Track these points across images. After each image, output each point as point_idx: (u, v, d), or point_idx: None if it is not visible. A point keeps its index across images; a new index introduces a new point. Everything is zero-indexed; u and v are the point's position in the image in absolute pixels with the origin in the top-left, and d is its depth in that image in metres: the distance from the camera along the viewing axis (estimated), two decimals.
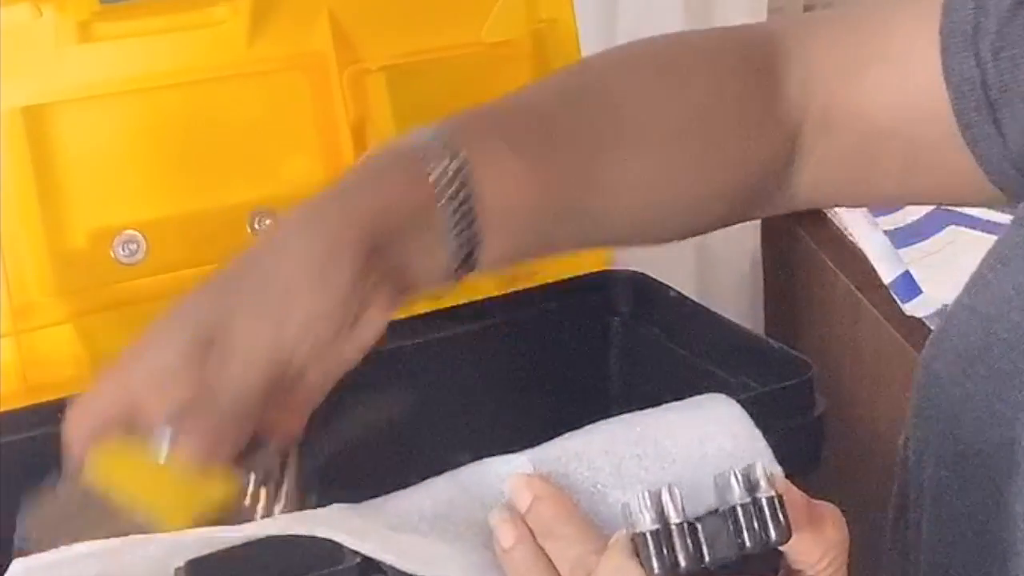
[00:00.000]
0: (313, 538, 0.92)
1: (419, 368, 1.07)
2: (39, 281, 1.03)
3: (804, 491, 0.66)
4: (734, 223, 0.88)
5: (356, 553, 0.94)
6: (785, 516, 0.60)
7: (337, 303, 0.69)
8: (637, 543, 0.58)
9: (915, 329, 1.46)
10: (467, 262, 0.74)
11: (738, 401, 0.78)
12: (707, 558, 0.58)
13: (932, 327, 1.43)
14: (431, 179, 0.73)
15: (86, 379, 1.03)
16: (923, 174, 0.82)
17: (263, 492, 0.69)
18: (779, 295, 1.71)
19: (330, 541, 0.91)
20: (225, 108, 1.08)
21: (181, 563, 0.89)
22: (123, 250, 1.06)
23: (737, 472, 0.60)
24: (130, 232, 1.06)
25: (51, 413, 0.97)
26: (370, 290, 0.71)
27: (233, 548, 0.91)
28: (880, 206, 0.89)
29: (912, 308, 1.46)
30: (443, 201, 0.73)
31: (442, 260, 0.73)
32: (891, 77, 0.80)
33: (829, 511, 0.64)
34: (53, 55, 1.03)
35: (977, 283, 0.77)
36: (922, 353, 0.81)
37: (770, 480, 0.61)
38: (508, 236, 0.75)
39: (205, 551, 0.68)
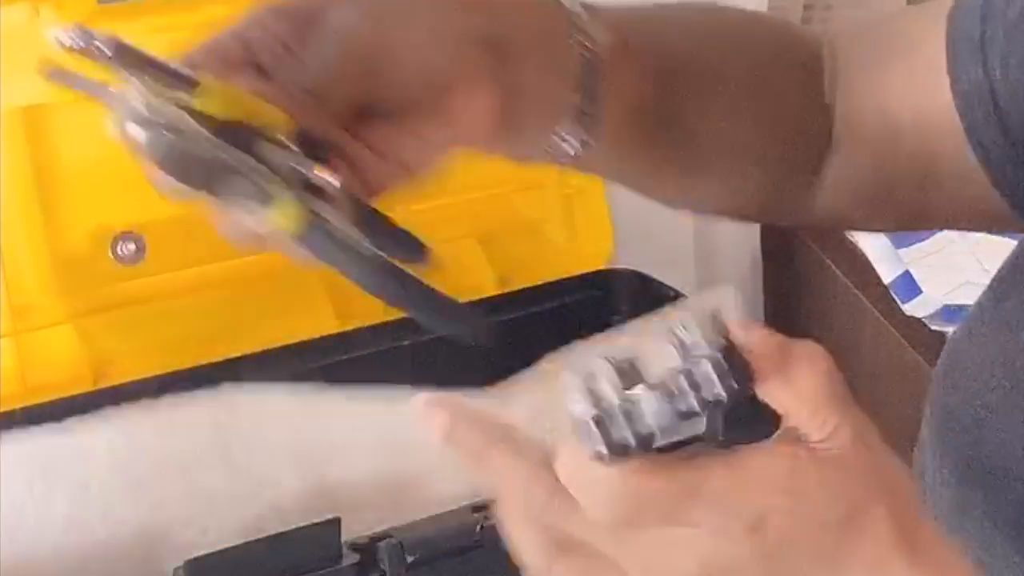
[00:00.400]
0: (313, 538, 0.92)
1: (418, 368, 1.07)
2: (39, 281, 1.03)
3: None
4: (760, 217, 0.87)
5: (356, 552, 0.94)
6: (740, 368, 0.55)
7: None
8: (579, 432, 0.54)
9: (915, 329, 1.45)
10: (586, 117, 0.70)
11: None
12: (655, 432, 0.54)
13: (932, 327, 1.43)
14: (569, 14, 0.69)
15: (86, 379, 1.03)
16: (939, 187, 0.81)
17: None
18: (779, 295, 1.71)
19: (330, 541, 0.92)
20: None
21: (180, 563, 0.90)
22: (123, 250, 1.06)
23: (679, 330, 0.55)
24: (129, 232, 1.06)
25: (51, 412, 0.98)
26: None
27: (233, 548, 0.91)
28: (900, 227, 0.86)
29: (912, 308, 1.45)
30: (575, 40, 0.68)
31: (563, 99, 0.69)
32: (908, 77, 0.80)
33: (804, 351, 0.55)
34: (51, 55, 1.02)
35: (991, 299, 0.76)
36: (935, 379, 0.79)
37: (723, 329, 0.55)
38: (625, 115, 0.72)
39: None
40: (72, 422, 0.96)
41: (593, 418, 0.52)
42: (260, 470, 0.99)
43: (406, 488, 1.02)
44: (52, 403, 0.99)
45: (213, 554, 0.90)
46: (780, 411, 0.56)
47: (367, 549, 0.94)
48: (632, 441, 0.52)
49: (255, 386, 1.00)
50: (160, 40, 1.07)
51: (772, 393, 0.56)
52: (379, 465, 1.01)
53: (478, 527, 0.97)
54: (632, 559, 0.54)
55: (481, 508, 0.99)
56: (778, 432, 0.57)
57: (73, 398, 1.00)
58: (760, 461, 0.55)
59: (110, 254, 1.05)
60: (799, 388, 0.56)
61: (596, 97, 0.70)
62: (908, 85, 0.79)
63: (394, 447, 1.02)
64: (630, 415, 0.52)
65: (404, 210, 1.20)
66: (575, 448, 0.52)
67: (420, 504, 1.00)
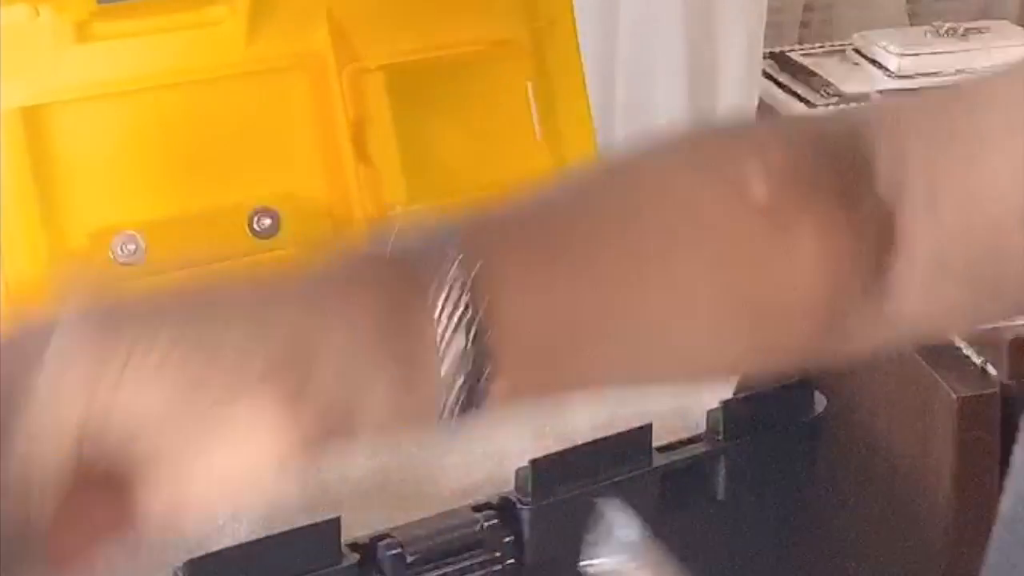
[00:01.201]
0: (313, 538, 0.92)
1: None
2: (39, 281, 1.03)
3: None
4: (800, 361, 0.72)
5: (356, 552, 0.94)
6: None
7: None
8: None
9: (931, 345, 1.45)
10: (470, 398, 0.57)
11: (738, 400, 0.78)
12: None
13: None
14: (431, 289, 0.56)
15: None
16: None
17: None
18: None
19: (330, 541, 0.92)
20: (224, 108, 1.08)
21: (180, 563, 0.89)
22: (122, 250, 1.06)
23: None
24: (129, 232, 1.06)
25: None
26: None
27: (233, 548, 0.91)
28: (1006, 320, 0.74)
29: None
30: (444, 317, 0.56)
31: (423, 397, 0.56)
32: (1002, 159, 0.66)
33: None
34: (51, 55, 1.02)
35: None
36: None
37: None
38: (529, 364, 0.59)
39: None
40: None
41: None
42: None
43: (407, 486, 1.02)
44: None
45: (213, 554, 0.90)
46: None
47: (367, 549, 0.94)
48: None
49: None
50: (158, 40, 1.07)
51: None
52: (380, 464, 1.01)
53: (478, 527, 0.97)
54: None
55: (481, 508, 0.99)
56: None
57: None
58: None
59: (110, 254, 1.05)
60: None
61: (484, 365, 0.57)
62: (1002, 166, 0.66)
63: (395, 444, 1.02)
64: None
65: (404, 210, 1.21)
66: None
67: (421, 503, 1.00)
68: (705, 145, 0.67)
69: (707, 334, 0.64)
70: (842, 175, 0.66)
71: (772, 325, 0.65)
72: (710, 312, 0.64)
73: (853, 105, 0.73)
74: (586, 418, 1.04)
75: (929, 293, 0.67)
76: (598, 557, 0.59)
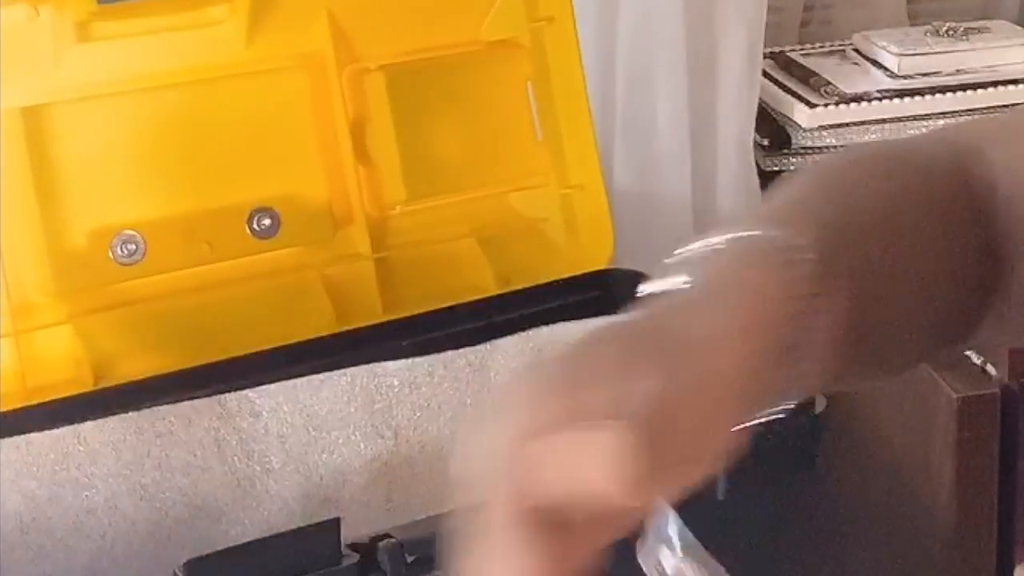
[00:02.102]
0: (313, 538, 0.92)
1: None
2: (39, 281, 1.03)
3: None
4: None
5: (356, 552, 0.94)
6: None
7: None
8: None
9: None
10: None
11: None
12: None
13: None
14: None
15: (86, 379, 1.03)
16: None
17: None
18: None
19: (330, 542, 0.92)
20: (224, 108, 1.08)
21: (179, 564, 0.89)
22: (122, 250, 1.06)
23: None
24: (129, 232, 1.06)
25: (51, 413, 0.98)
26: None
27: (233, 548, 0.91)
28: None
29: None
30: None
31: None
32: None
33: None
34: (51, 55, 1.02)
35: None
36: None
37: None
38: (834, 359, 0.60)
39: None
40: (78, 424, 0.96)
41: None
42: (262, 472, 0.99)
43: (408, 486, 1.02)
44: (52, 403, 0.99)
45: (213, 555, 0.90)
46: None
47: (367, 550, 0.94)
48: None
49: (258, 389, 1.00)
50: (158, 40, 1.07)
51: None
52: (380, 463, 1.01)
53: None
54: None
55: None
56: None
57: (74, 398, 1.00)
58: None
59: (110, 254, 1.05)
60: None
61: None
62: None
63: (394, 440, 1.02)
64: None
65: (403, 210, 1.21)
66: None
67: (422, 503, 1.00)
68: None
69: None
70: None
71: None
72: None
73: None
74: None
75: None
76: (658, 555, 0.59)
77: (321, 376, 1.01)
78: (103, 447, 0.96)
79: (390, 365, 1.03)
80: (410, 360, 1.03)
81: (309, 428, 1.01)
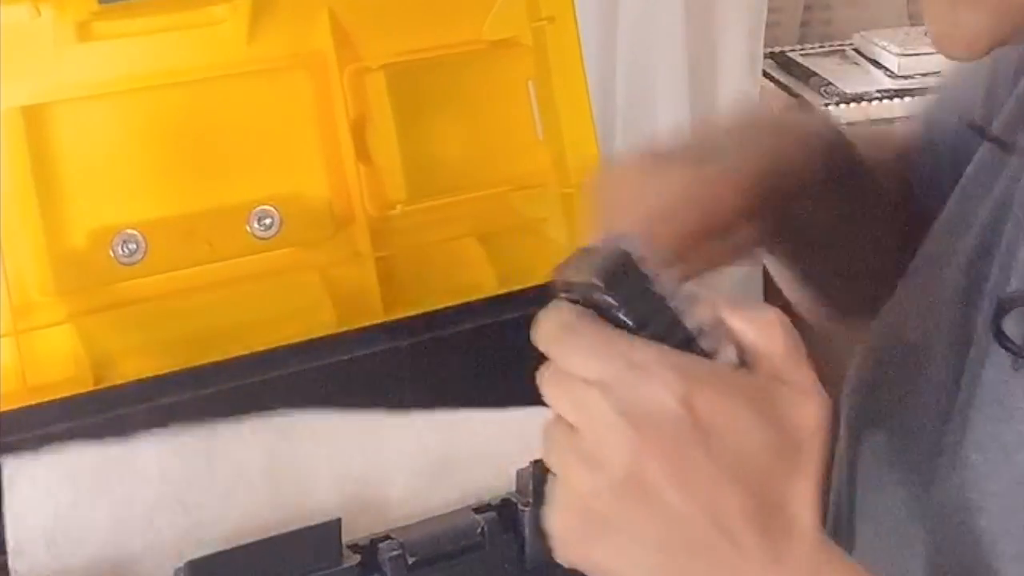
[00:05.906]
0: (313, 539, 0.92)
1: (418, 367, 1.07)
2: (39, 281, 1.03)
3: None
4: None
5: (356, 553, 0.94)
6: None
7: None
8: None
9: None
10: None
11: None
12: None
13: None
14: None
15: (86, 379, 1.03)
16: None
17: None
18: (779, 295, 1.71)
19: (330, 542, 0.91)
20: (225, 107, 1.08)
21: (181, 563, 0.89)
22: (122, 250, 1.06)
23: None
24: (129, 232, 1.06)
25: (51, 413, 0.97)
26: None
27: (233, 548, 0.91)
28: None
29: None
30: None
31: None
32: None
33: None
34: (52, 55, 1.02)
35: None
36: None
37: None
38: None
39: None
40: (124, 438, 0.95)
41: None
42: (305, 494, 0.98)
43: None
44: (52, 403, 0.99)
45: (214, 555, 0.90)
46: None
47: (368, 551, 0.94)
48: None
49: (306, 411, 0.99)
50: (159, 39, 1.07)
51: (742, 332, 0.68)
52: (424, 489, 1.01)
53: (479, 528, 0.97)
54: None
55: (482, 510, 0.98)
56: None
57: (74, 398, 1.00)
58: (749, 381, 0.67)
59: (110, 254, 1.05)
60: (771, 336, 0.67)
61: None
62: None
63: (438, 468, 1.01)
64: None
65: (404, 210, 1.21)
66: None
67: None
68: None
69: None
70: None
71: None
72: None
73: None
74: None
75: None
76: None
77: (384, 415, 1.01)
78: (147, 463, 0.95)
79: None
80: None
81: (358, 451, 0.99)
